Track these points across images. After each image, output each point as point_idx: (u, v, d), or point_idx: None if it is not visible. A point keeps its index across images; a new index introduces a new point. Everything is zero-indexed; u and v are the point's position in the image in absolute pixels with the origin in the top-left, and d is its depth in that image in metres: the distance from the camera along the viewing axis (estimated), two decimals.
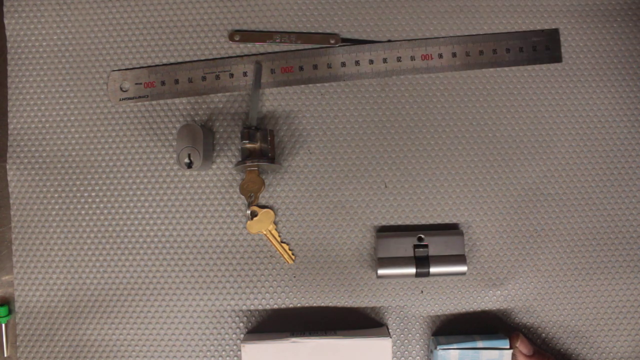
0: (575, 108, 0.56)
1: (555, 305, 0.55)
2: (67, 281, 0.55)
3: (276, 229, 0.55)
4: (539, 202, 0.55)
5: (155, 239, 0.55)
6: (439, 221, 0.55)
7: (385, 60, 0.55)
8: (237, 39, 0.55)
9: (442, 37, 0.56)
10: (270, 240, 0.55)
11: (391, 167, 0.55)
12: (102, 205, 0.55)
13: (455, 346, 0.51)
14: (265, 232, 0.54)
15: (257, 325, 0.55)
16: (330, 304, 0.55)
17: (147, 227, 0.55)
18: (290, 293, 0.55)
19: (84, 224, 0.55)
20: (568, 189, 0.55)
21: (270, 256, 0.55)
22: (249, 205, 0.54)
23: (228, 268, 0.55)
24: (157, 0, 0.55)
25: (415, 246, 0.53)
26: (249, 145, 0.52)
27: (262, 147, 0.53)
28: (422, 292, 0.55)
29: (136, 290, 0.55)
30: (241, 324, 0.55)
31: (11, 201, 0.55)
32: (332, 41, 0.55)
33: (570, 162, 0.55)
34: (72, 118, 0.55)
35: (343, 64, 0.55)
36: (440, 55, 0.55)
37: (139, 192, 0.55)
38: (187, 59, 0.55)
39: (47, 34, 0.55)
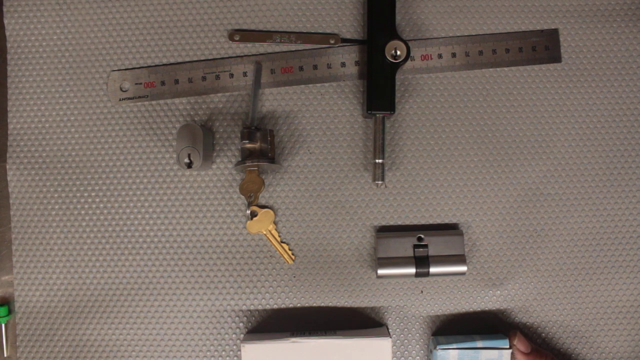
0: (575, 108, 0.56)
1: (555, 305, 0.55)
2: (67, 281, 0.55)
3: (276, 229, 0.55)
4: (539, 202, 0.55)
5: (155, 239, 0.55)
6: (439, 221, 0.55)
7: None
8: (237, 39, 0.55)
9: (442, 38, 0.56)
10: (270, 240, 0.55)
11: (391, 167, 0.55)
12: (102, 205, 0.55)
13: (454, 346, 0.51)
14: (265, 232, 0.54)
15: (257, 325, 0.55)
16: (330, 304, 0.55)
17: (147, 227, 0.55)
18: (290, 293, 0.55)
19: (84, 224, 0.55)
20: (568, 189, 0.55)
21: (270, 256, 0.55)
22: (249, 205, 0.54)
23: (228, 268, 0.55)
24: (157, 0, 0.55)
25: (415, 246, 0.53)
26: (249, 145, 0.52)
27: (262, 147, 0.53)
28: (422, 292, 0.55)
29: (136, 290, 0.55)
30: (241, 324, 0.55)
31: (11, 201, 0.55)
32: (332, 41, 0.55)
33: (570, 162, 0.55)
34: (72, 118, 0.55)
35: (343, 64, 0.55)
36: (440, 56, 0.55)
37: (139, 192, 0.55)
38: (187, 59, 0.55)
39: (47, 34, 0.55)
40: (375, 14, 0.53)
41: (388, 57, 0.52)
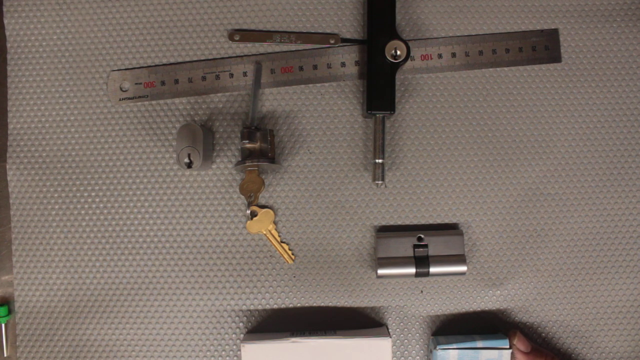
0: (575, 108, 0.56)
1: (555, 305, 0.55)
2: (67, 281, 0.55)
3: (276, 229, 0.55)
4: (539, 202, 0.55)
5: (155, 239, 0.55)
6: (439, 221, 0.55)
7: None
8: (237, 38, 0.55)
9: (442, 38, 0.56)
10: (270, 240, 0.55)
11: (391, 167, 0.55)
12: (102, 205, 0.55)
13: (454, 346, 0.51)
14: (265, 232, 0.54)
15: (257, 325, 0.55)
16: (330, 304, 0.55)
17: (147, 227, 0.55)
18: (290, 293, 0.55)
19: (83, 224, 0.55)
20: (568, 189, 0.55)
21: (270, 256, 0.55)
22: (249, 205, 0.54)
23: (228, 268, 0.55)
24: (157, 0, 0.55)
25: (415, 246, 0.53)
26: (249, 145, 0.52)
27: (262, 147, 0.53)
28: (422, 292, 0.55)
29: (136, 290, 0.55)
30: (241, 324, 0.55)
31: (11, 201, 0.55)
32: (332, 41, 0.55)
33: (570, 162, 0.55)
34: (72, 118, 0.55)
35: (343, 64, 0.55)
36: (440, 56, 0.55)
37: (139, 192, 0.55)
38: (187, 59, 0.55)
39: (47, 34, 0.55)
40: (375, 14, 0.53)
41: (388, 57, 0.52)
